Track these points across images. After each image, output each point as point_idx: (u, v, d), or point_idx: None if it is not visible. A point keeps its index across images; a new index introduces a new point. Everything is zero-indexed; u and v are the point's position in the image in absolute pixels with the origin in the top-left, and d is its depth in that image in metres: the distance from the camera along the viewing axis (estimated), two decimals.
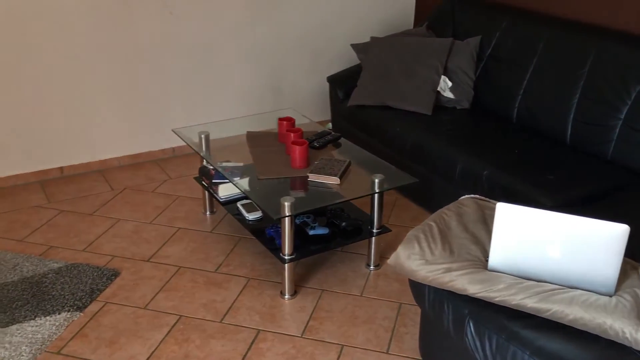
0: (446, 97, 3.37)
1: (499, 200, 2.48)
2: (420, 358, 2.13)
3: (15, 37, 3.11)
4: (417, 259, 1.83)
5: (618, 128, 2.69)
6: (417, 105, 3.28)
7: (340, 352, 2.17)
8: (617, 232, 1.57)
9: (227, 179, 2.72)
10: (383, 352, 2.17)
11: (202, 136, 2.87)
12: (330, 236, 2.57)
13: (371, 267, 2.66)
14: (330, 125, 3.86)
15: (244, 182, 2.50)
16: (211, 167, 2.86)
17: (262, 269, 2.65)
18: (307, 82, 4.09)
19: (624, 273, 1.74)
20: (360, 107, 3.45)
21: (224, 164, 2.69)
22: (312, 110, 4.16)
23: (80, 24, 3.24)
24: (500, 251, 1.73)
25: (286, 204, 2.26)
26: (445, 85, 3.36)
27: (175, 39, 3.52)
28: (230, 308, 2.39)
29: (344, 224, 2.59)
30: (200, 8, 3.53)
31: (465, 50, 3.40)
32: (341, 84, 3.66)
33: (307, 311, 2.38)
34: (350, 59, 4.13)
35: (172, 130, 2.95)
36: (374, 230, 2.58)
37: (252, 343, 2.21)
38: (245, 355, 2.15)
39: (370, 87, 3.44)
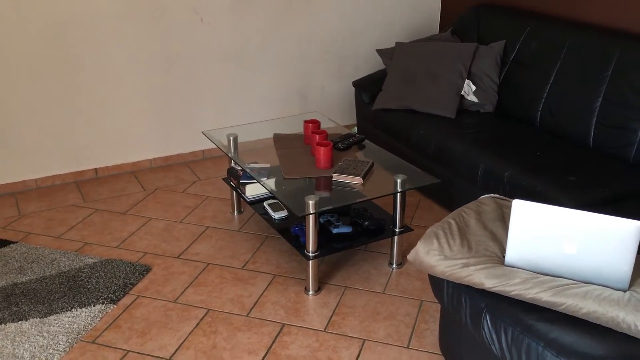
0: (470, 100, 3.42)
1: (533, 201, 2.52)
2: (440, 353, 2.19)
3: (56, 44, 3.27)
4: (435, 254, 1.89)
5: None
6: (441, 108, 3.33)
7: (362, 346, 2.24)
8: (630, 229, 1.61)
9: (254, 179, 2.82)
10: (404, 347, 2.23)
11: (231, 138, 2.98)
12: (353, 235, 2.64)
13: (394, 266, 2.72)
14: (355, 129, 3.93)
15: (270, 182, 2.59)
16: (239, 168, 2.97)
17: (287, 266, 2.73)
18: (333, 87, 4.17)
19: (638, 269, 1.77)
20: (385, 110, 3.52)
21: (251, 165, 2.78)
22: (338, 114, 4.24)
23: (115, 31, 3.39)
24: (517, 247, 1.78)
25: (310, 202, 2.34)
26: (469, 89, 3.41)
27: (206, 45, 3.65)
28: (256, 303, 2.48)
29: (366, 223, 2.66)
30: (230, 15, 3.65)
31: (489, 55, 3.45)
32: (366, 88, 3.73)
33: (330, 307, 2.46)
34: (376, 64, 4.20)
35: (202, 133, 3.05)
36: (397, 230, 2.64)
37: (276, 336, 2.29)
38: (270, 348, 2.23)
39: (394, 91, 3.51)
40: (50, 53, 3.27)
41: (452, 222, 2.03)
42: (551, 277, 1.74)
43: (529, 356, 1.65)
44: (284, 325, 2.35)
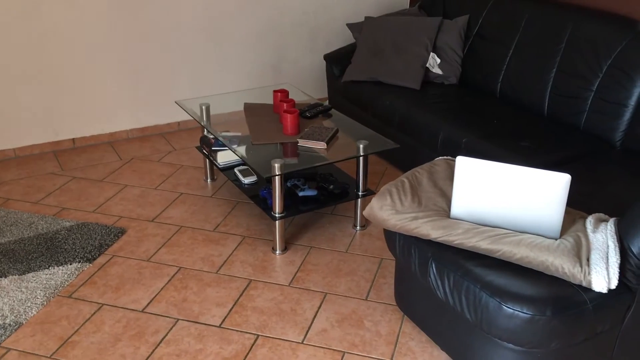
0: (435, 73, 3.55)
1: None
2: (395, 304, 2.35)
3: (32, 17, 3.34)
4: (388, 209, 2.04)
5: (590, 100, 2.87)
6: (406, 80, 3.47)
7: (324, 298, 2.39)
8: (559, 181, 1.76)
9: (225, 147, 2.94)
10: (362, 299, 2.39)
11: (203, 107, 3.09)
12: (318, 198, 2.78)
13: (357, 228, 2.87)
14: (327, 102, 4.05)
15: (240, 148, 2.71)
16: (211, 136, 3.08)
17: (257, 228, 2.87)
18: (306, 60, 4.28)
19: (573, 222, 1.94)
20: (354, 82, 3.65)
21: (223, 134, 2.90)
22: (311, 87, 4.36)
23: (91, 2, 3.46)
24: (461, 201, 1.94)
25: (276, 165, 2.47)
26: (434, 62, 3.54)
27: (180, 17, 3.73)
28: (225, 262, 2.62)
29: (331, 187, 2.80)
30: None
31: (454, 29, 3.58)
32: (337, 62, 3.85)
33: (296, 264, 2.60)
34: (348, 38, 4.32)
35: (176, 102, 3.16)
36: (359, 193, 2.79)
37: (244, 290, 2.43)
38: (237, 301, 2.37)
39: (363, 64, 3.63)
40: (27, 24, 3.35)
41: (406, 180, 2.17)
42: (491, 228, 1.90)
43: (468, 297, 1.81)
44: (250, 281, 2.49)
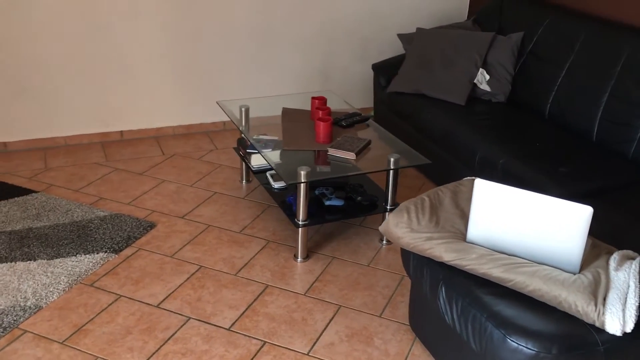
0: (482, 89, 3.45)
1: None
2: (408, 324, 2.28)
3: (89, 10, 3.47)
4: (404, 226, 1.99)
5: None
6: (451, 95, 3.38)
7: (337, 311, 2.36)
8: (581, 213, 1.67)
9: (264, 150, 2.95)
10: (376, 316, 2.34)
11: (243, 109, 3.12)
12: (345, 208, 2.75)
13: (383, 242, 2.82)
14: (372, 113, 4.01)
15: (271, 152, 2.71)
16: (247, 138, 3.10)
17: (282, 234, 2.86)
18: (356, 69, 4.26)
19: (597, 256, 1.83)
20: (398, 94, 3.59)
21: (260, 137, 2.91)
22: (358, 95, 4.33)
23: (145, 3, 3.56)
24: (478, 225, 1.86)
25: (302, 172, 2.46)
26: (482, 78, 3.44)
27: (232, 20, 3.79)
28: (246, 264, 2.62)
29: (359, 198, 2.76)
30: None
31: (506, 45, 3.47)
32: (385, 72, 3.80)
33: (315, 274, 2.58)
34: (400, 48, 4.26)
35: (217, 103, 3.20)
36: (388, 207, 2.73)
37: (259, 295, 2.43)
38: (250, 305, 2.37)
39: (409, 76, 3.57)
40: (84, 22, 3.48)
41: (427, 198, 2.11)
42: (506, 256, 1.81)
43: (474, 326, 1.73)
44: (267, 286, 2.49)
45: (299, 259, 2.66)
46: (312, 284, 2.51)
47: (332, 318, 2.31)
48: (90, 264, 2.56)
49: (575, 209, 1.68)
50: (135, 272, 2.54)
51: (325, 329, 2.26)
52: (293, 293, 2.45)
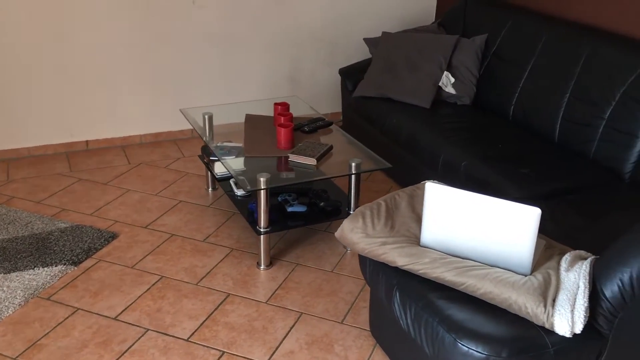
0: (448, 92, 3.46)
1: (471, 189, 2.57)
2: (369, 329, 2.27)
3: (51, 20, 3.42)
4: (358, 232, 1.97)
5: (601, 128, 2.72)
6: (417, 98, 3.38)
7: (298, 318, 2.33)
8: (529, 215, 1.66)
9: (224, 157, 2.92)
10: (337, 322, 2.31)
11: (206, 117, 3.09)
12: (308, 214, 2.72)
13: (348, 248, 2.80)
14: (341, 118, 4.00)
15: (231, 160, 2.69)
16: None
17: (246, 241, 2.83)
18: (324, 74, 4.25)
19: (549, 257, 1.83)
20: (365, 98, 3.58)
21: (224, 144, 2.89)
22: (327, 100, 4.32)
23: (109, 9, 3.53)
24: (430, 228, 1.85)
25: (262, 179, 2.43)
26: (447, 81, 3.44)
27: (198, 26, 3.76)
28: (208, 273, 2.59)
29: (322, 203, 2.75)
30: None
31: (471, 48, 3.48)
32: (351, 76, 3.80)
33: (278, 281, 2.55)
34: (368, 52, 4.26)
35: (180, 110, 3.17)
36: (350, 212, 2.72)
37: (219, 304, 2.40)
38: (210, 314, 2.34)
39: (375, 80, 3.57)
40: (48, 26, 3.43)
41: (383, 203, 2.10)
42: (459, 259, 1.80)
43: (426, 330, 1.72)
44: (229, 295, 2.46)
45: (261, 267, 2.64)
46: (275, 292, 2.48)
47: (293, 326, 2.29)
48: (48, 277, 2.51)
49: (524, 210, 1.67)
50: (94, 284, 2.50)
51: (285, 337, 2.23)
52: (254, 301, 2.42)
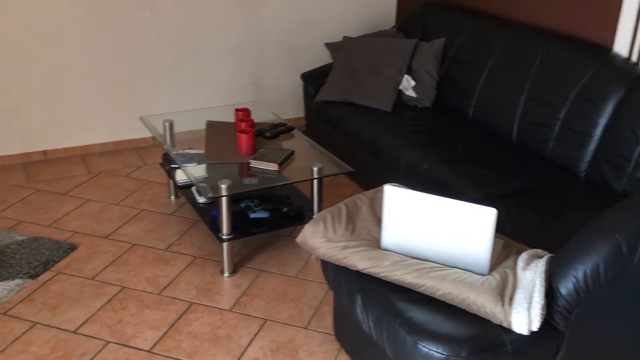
0: (408, 95, 3.49)
1: (433, 192, 2.60)
2: (333, 333, 2.27)
3: (3, 28, 3.34)
4: (320, 237, 1.97)
5: (556, 128, 2.78)
6: (378, 102, 3.41)
7: (263, 325, 2.32)
8: (486, 215, 1.69)
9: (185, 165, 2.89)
10: (302, 327, 2.31)
11: (166, 124, 3.05)
12: (271, 220, 2.71)
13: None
14: (304, 122, 4.01)
15: (192, 167, 2.66)
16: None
17: (209, 249, 2.81)
18: (287, 79, 4.24)
19: (507, 256, 1.85)
20: (327, 102, 3.59)
21: (185, 151, 2.86)
22: (291, 105, 4.31)
23: (66, 15, 3.46)
24: (390, 231, 1.86)
25: (223, 185, 2.42)
26: (408, 84, 3.48)
27: (159, 32, 3.72)
28: (170, 283, 2.56)
29: (285, 209, 2.74)
30: (181, 4, 3.72)
31: (430, 52, 3.52)
32: (314, 81, 3.80)
33: (242, 288, 2.54)
34: (330, 57, 4.27)
35: (139, 118, 3.13)
36: (313, 216, 2.72)
37: (182, 314, 2.37)
38: (173, 324, 2.31)
39: (336, 84, 3.58)
40: (2, 35, 3.36)
41: (344, 207, 2.10)
42: (419, 261, 1.82)
43: (388, 333, 1.73)
44: (192, 303, 2.43)
45: (225, 274, 2.62)
46: (239, 299, 2.47)
47: (258, 333, 2.28)
48: (5, 292, 2.44)
49: (481, 211, 1.69)
50: (52, 297, 2.45)
51: (249, 344, 2.22)
52: (218, 309, 2.40)
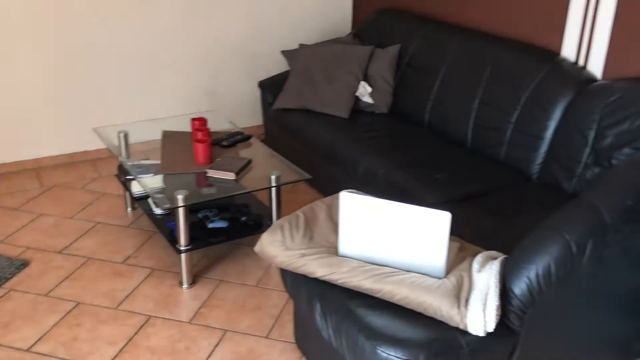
0: (365, 102, 3.52)
1: (391, 197, 2.62)
2: (294, 342, 2.26)
3: None
4: (277, 245, 1.96)
5: (509, 132, 2.84)
6: (335, 109, 3.42)
7: (223, 336, 2.29)
8: (440, 219, 1.71)
9: (142, 175, 2.85)
10: (263, 337, 2.29)
11: (121, 135, 3.00)
12: (230, 229, 2.69)
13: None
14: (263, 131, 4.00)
15: (150, 177, 2.62)
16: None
17: (168, 260, 2.77)
18: (244, 87, 4.23)
19: (462, 259, 1.88)
20: (285, 110, 3.59)
21: (141, 162, 2.81)
22: (248, 114, 4.30)
23: (16, 24, 3.38)
24: (347, 237, 1.87)
25: (179, 196, 2.39)
26: (364, 91, 3.50)
27: (113, 41, 3.66)
28: (128, 296, 2.51)
29: (244, 218, 2.72)
30: (134, 14, 3.67)
31: (385, 58, 3.56)
32: (271, 89, 3.80)
33: (201, 299, 2.51)
34: (287, 65, 4.27)
35: (93, 129, 3.07)
36: (272, 224, 2.70)
37: (140, 327, 2.33)
38: (131, 338, 2.27)
39: (294, 92, 3.58)
40: None
41: (301, 214, 2.10)
42: (377, 266, 1.83)
43: (348, 340, 1.73)
44: (150, 317, 2.39)
45: (184, 286, 2.58)
46: (198, 310, 2.44)
47: (218, 344, 2.25)
48: None
49: (435, 215, 1.71)
50: (4, 315, 2.37)
51: (209, 356, 2.19)
52: (177, 322, 2.37)
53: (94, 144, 3.84)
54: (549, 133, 2.69)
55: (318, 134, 3.28)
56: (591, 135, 2.48)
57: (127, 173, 3.01)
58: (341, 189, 3.03)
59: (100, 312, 2.41)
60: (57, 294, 2.51)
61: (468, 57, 3.13)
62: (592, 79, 2.68)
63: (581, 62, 2.79)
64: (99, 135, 3.03)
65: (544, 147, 2.70)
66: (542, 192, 2.58)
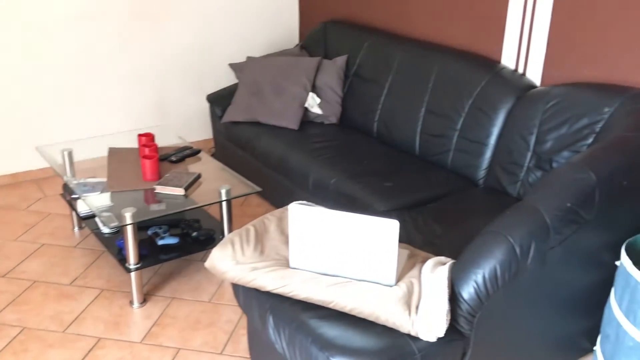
0: (314, 112, 3.54)
1: (342, 207, 2.64)
2: (249, 357, 2.24)
3: None
4: (228, 260, 1.94)
5: (455, 139, 2.90)
6: (285, 120, 3.43)
7: (176, 355, 2.26)
8: (388, 227, 1.73)
9: (87, 194, 2.78)
10: (217, 354, 2.27)
11: (65, 153, 2.93)
12: (180, 245, 2.66)
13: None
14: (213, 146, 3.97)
15: (96, 195, 2.56)
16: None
17: (117, 280, 2.71)
18: (192, 101, 4.19)
19: (412, 265, 1.91)
20: (234, 123, 3.58)
21: (87, 180, 2.75)
22: (198, 128, 4.26)
23: None
24: (298, 249, 1.87)
25: (127, 214, 2.34)
26: (313, 102, 3.52)
27: (55, 55, 3.57)
28: (76, 319, 2.44)
29: (195, 233, 2.69)
30: (79, 26, 3.59)
31: (333, 69, 3.59)
32: (219, 102, 3.77)
33: (153, 318, 2.46)
34: (235, 78, 4.26)
35: (36, 149, 2.99)
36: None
37: (89, 350, 2.26)
38: None
39: (243, 104, 3.57)
40: None
41: (252, 228, 2.09)
42: (329, 277, 1.83)
43: (301, 352, 1.73)
44: (99, 339, 2.33)
45: (135, 305, 2.53)
46: (149, 330, 2.39)
47: None
48: None
49: (383, 224, 1.73)
50: None
51: None
52: (128, 342, 2.31)
53: (37, 163, 3.74)
54: (492, 139, 2.76)
55: (268, 146, 3.28)
56: (532, 139, 2.56)
57: (72, 192, 2.94)
58: (293, 201, 3.03)
59: (47, 337, 2.33)
60: (1, 320, 2.42)
61: (413, 67, 3.19)
62: (531, 85, 2.77)
63: (520, 70, 2.88)
64: (42, 154, 2.95)
65: (488, 153, 2.77)
66: (488, 197, 2.64)
